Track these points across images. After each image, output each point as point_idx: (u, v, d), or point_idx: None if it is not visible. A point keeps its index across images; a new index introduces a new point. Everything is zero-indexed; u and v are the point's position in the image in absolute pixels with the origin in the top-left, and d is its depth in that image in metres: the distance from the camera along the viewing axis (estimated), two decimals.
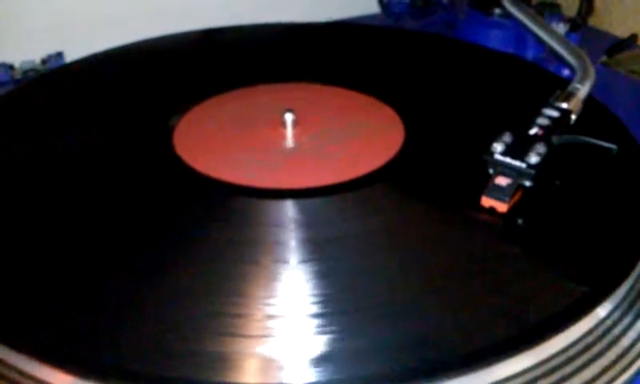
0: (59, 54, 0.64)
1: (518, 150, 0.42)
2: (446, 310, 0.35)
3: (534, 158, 0.42)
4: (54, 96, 0.56)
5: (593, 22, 0.77)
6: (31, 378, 0.32)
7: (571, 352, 0.34)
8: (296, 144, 0.50)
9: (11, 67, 0.62)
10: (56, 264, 0.38)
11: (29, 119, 0.53)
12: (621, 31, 0.75)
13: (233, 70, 0.61)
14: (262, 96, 0.56)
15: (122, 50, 0.63)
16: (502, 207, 0.40)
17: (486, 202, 0.41)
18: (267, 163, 0.47)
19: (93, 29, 0.70)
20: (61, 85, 0.58)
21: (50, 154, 0.48)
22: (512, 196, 0.41)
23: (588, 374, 0.34)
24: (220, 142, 0.50)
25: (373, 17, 0.82)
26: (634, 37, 0.71)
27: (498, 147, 0.43)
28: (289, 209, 0.42)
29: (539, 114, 0.46)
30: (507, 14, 0.69)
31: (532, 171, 0.41)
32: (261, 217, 0.42)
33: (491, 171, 0.42)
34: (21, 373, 0.33)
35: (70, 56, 0.64)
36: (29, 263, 0.38)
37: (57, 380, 0.32)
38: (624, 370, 0.35)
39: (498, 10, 0.70)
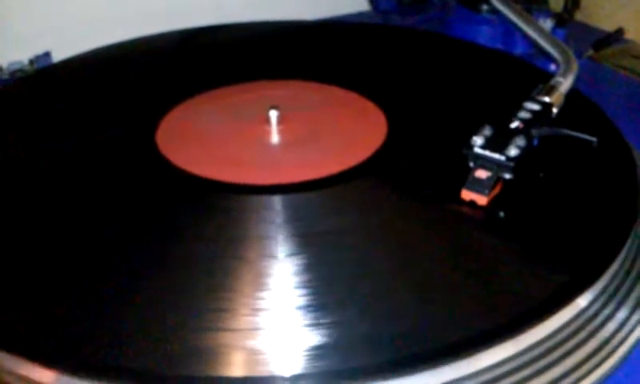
0: (47, 55, 0.64)
1: (497, 143, 0.43)
2: (429, 302, 0.35)
3: (513, 151, 0.42)
4: (41, 96, 0.57)
5: (581, 16, 0.77)
6: (31, 379, 0.32)
7: (552, 341, 0.34)
8: (281, 140, 0.50)
9: None
10: (53, 264, 0.38)
11: (16, 119, 0.53)
12: (609, 25, 0.75)
13: (218, 68, 0.61)
14: (247, 93, 0.56)
15: (108, 50, 0.63)
16: (481, 200, 0.41)
17: (466, 195, 0.41)
18: (253, 160, 0.48)
19: (80, 29, 0.70)
20: (49, 85, 0.59)
21: (39, 154, 0.48)
22: (492, 189, 0.41)
23: (569, 363, 0.34)
24: (205, 139, 0.50)
25: (362, 14, 0.82)
26: (620, 31, 0.71)
27: (477, 140, 0.43)
28: (275, 204, 0.42)
29: (521, 107, 0.46)
30: (494, 11, 0.69)
31: (511, 164, 0.41)
32: (248, 213, 0.42)
33: (471, 164, 0.43)
34: (20, 374, 0.33)
35: (58, 56, 0.64)
36: (27, 265, 0.38)
37: (57, 380, 0.32)
38: (605, 359, 0.35)
39: (485, 7, 0.71)
